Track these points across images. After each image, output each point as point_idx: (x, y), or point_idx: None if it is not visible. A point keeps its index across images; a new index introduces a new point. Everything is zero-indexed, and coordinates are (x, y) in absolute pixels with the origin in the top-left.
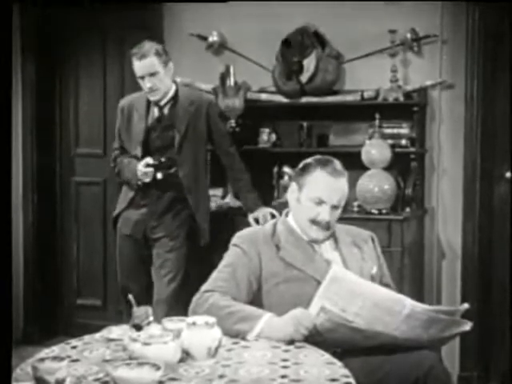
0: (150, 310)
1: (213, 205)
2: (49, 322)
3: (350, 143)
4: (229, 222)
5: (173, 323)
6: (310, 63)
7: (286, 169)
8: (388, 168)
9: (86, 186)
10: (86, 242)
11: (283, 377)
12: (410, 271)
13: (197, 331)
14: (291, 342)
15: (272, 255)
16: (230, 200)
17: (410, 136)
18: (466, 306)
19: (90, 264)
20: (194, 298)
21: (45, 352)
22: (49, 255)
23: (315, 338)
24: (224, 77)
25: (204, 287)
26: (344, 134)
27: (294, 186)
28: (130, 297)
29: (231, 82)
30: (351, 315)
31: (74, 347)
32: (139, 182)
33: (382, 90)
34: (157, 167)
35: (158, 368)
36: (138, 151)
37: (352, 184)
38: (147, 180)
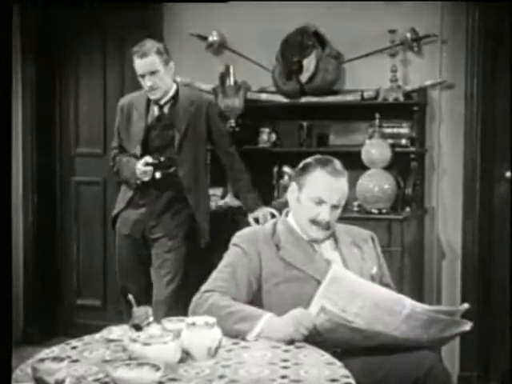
0: (149, 310)
1: (212, 204)
2: (49, 323)
3: (350, 143)
4: (229, 222)
5: (173, 323)
6: (309, 63)
7: (286, 168)
8: (388, 168)
9: (85, 186)
10: (86, 241)
11: (283, 377)
12: (409, 271)
13: (197, 331)
14: (291, 342)
15: (272, 255)
16: (229, 200)
17: (409, 136)
18: (465, 306)
19: (90, 264)
20: (194, 298)
21: (45, 352)
22: (49, 255)
23: (315, 338)
24: (224, 77)
25: (204, 287)
26: (344, 133)
27: (293, 185)
28: (130, 297)
29: (231, 81)
30: (351, 315)
31: (73, 348)
32: (138, 181)
33: (382, 89)
34: (156, 166)
35: (157, 368)
36: (138, 150)
37: (352, 184)
38: (146, 179)
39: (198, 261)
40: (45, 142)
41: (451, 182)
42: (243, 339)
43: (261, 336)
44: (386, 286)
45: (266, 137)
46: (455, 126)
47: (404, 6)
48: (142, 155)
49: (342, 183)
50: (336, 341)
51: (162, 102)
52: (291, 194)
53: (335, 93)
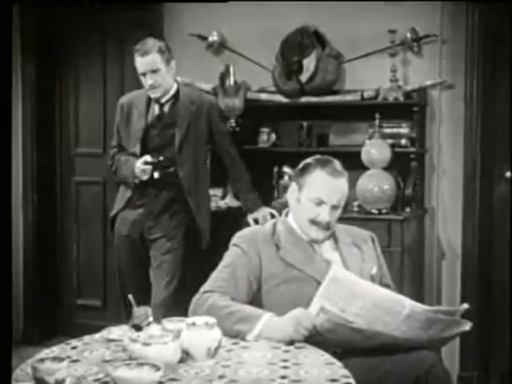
0: (149, 310)
1: (212, 205)
2: (49, 323)
3: (350, 143)
4: (229, 223)
5: (172, 324)
6: (309, 63)
7: (286, 169)
8: (388, 168)
9: (85, 186)
10: (86, 241)
11: (283, 377)
12: (409, 271)
13: (196, 332)
14: (291, 342)
15: (272, 255)
16: (229, 200)
17: (409, 136)
18: (465, 306)
19: (90, 264)
20: (194, 299)
21: (45, 352)
22: (49, 255)
23: (315, 338)
24: (224, 76)
25: (204, 287)
26: (344, 133)
27: (293, 186)
28: (130, 297)
29: (231, 81)
30: (351, 315)
31: (73, 348)
32: (136, 180)
33: (382, 89)
34: (155, 166)
35: (157, 368)
36: (137, 149)
37: (352, 184)
38: (144, 178)
39: (198, 261)
40: (45, 142)
41: (451, 182)
42: (243, 339)
43: (261, 336)
44: (386, 286)
45: (265, 137)
46: (455, 126)
47: (404, 6)
48: (142, 154)
49: (342, 183)
50: (336, 341)
51: (163, 100)
52: (291, 195)
53: (335, 93)
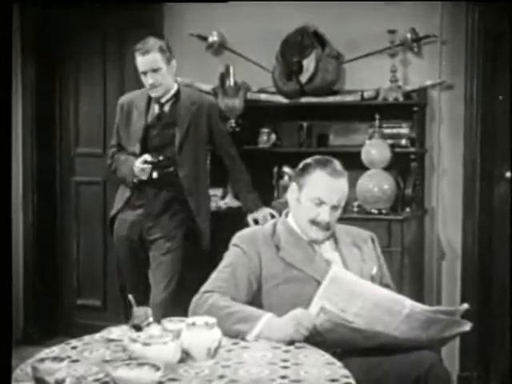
0: (149, 310)
1: (212, 205)
2: (49, 323)
3: (350, 143)
4: (229, 223)
5: (173, 324)
6: (309, 63)
7: (286, 169)
8: (388, 168)
9: (85, 186)
10: (86, 241)
11: (283, 377)
12: (409, 271)
13: (196, 332)
14: (291, 342)
15: (272, 255)
16: (229, 200)
17: (409, 136)
18: (465, 306)
19: (90, 264)
20: (194, 299)
21: (45, 352)
22: (49, 255)
23: (315, 338)
24: (224, 77)
25: (204, 288)
26: (344, 134)
27: (293, 186)
28: (130, 297)
29: (231, 82)
30: (351, 315)
31: (73, 348)
32: (135, 180)
33: (382, 90)
34: (154, 165)
35: (157, 368)
36: (137, 148)
37: (352, 184)
38: (143, 177)
39: (198, 262)
40: (45, 142)
41: (451, 182)
42: (243, 339)
43: (261, 336)
44: (386, 286)
45: (265, 137)
46: (455, 126)
47: (404, 7)
48: (141, 154)
49: (342, 184)
50: (336, 341)
51: (163, 100)
52: (291, 195)
53: (335, 93)
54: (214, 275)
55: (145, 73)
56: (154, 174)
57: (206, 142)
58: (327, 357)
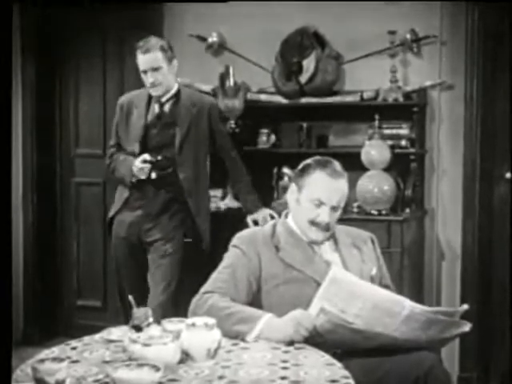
0: (149, 311)
1: (212, 206)
2: (49, 323)
3: (350, 144)
4: (228, 224)
5: (172, 324)
6: (309, 64)
7: (286, 170)
8: (388, 169)
9: (85, 187)
10: (86, 242)
11: (283, 378)
12: (409, 272)
13: (196, 332)
14: (291, 343)
15: (271, 256)
16: (229, 201)
17: (409, 137)
18: (465, 306)
19: (90, 265)
20: (194, 300)
21: (45, 353)
22: (49, 256)
23: (315, 339)
24: (223, 77)
25: (203, 288)
26: (344, 134)
27: (293, 187)
28: (130, 298)
29: (231, 82)
30: (351, 316)
31: (73, 348)
32: (133, 179)
33: (382, 90)
34: (153, 165)
35: (157, 369)
36: (136, 148)
37: (352, 185)
38: (142, 177)
39: (198, 262)
40: (45, 143)
41: (451, 182)
42: (243, 340)
43: (260, 337)
44: (386, 287)
45: (265, 138)
46: (455, 126)
47: (403, 7)
48: (141, 153)
49: (342, 184)
50: (336, 342)
51: (163, 99)
52: (291, 196)
53: (335, 93)
54: (214, 276)
55: (145, 71)
56: (153, 175)
57: (207, 143)
58: (327, 357)
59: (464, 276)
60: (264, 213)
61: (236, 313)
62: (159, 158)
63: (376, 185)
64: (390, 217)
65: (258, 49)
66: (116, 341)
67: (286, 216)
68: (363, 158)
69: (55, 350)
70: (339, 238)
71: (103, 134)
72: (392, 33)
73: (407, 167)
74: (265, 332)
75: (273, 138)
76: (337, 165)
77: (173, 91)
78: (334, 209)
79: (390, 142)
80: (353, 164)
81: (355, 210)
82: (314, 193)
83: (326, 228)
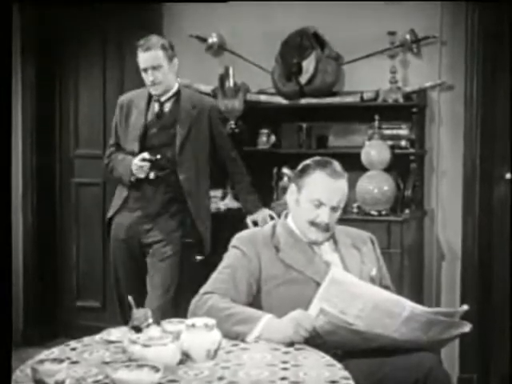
0: (149, 312)
1: (212, 206)
2: (48, 324)
3: (350, 144)
4: (228, 224)
5: (172, 325)
6: (309, 64)
7: (286, 170)
8: (387, 169)
9: (85, 188)
10: (86, 243)
11: (283, 379)
12: (409, 273)
13: (196, 333)
14: (291, 343)
15: (271, 257)
16: (229, 202)
17: (409, 137)
18: (465, 307)
19: (90, 266)
20: (194, 300)
21: (44, 354)
22: (48, 256)
23: (315, 340)
24: (223, 78)
25: (203, 289)
26: (343, 135)
27: (293, 187)
28: (130, 298)
29: (230, 83)
30: (351, 317)
31: (73, 349)
32: (132, 178)
33: (382, 91)
34: (152, 165)
35: (157, 370)
36: (136, 147)
37: (351, 185)
38: (141, 175)
39: (197, 264)
40: (44, 143)
41: (451, 183)
42: (243, 341)
43: (260, 338)
44: (386, 287)
45: (265, 138)
46: (455, 127)
47: (403, 7)
48: (140, 153)
49: (342, 185)
50: (336, 343)
51: (163, 98)
52: (290, 196)
53: (334, 94)
54: (214, 276)
55: (146, 69)
56: (151, 175)
57: (207, 145)
58: (327, 358)
59: (464, 276)
60: (264, 213)
61: (236, 313)
62: (158, 156)
63: (376, 185)
64: (390, 217)
65: (257, 49)
66: (116, 342)
67: (286, 216)
68: (363, 158)
69: (55, 351)
70: (339, 238)
71: (103, 135)
72: (392, 33)
73: (407, 168)
74: (265, 333)
75: (273, 138)
76: (337, 165)
77: (173, 91)
78: (333, 209)
79: (389, 143)
80: (352, 164)
81: (355, 210)
82: (314, 193)
83: (326, 228)
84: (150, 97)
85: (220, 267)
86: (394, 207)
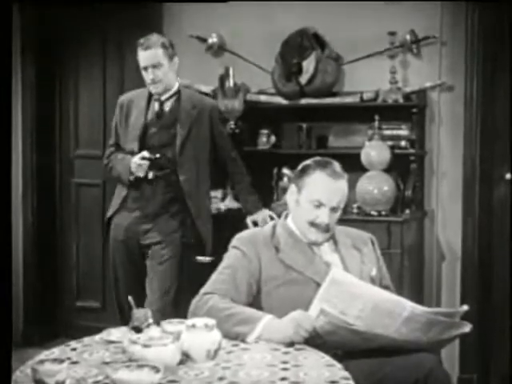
0: (149, 312)
1: (212, 207)
2: (48, 324)
3: (350, 145)
4: (228, 225)
5: (172, 325)
6: (309, 65)
7: (286, 170)
8: (387, 170)
9: (85, 188)
10: (86, 243)
11: (283, 379)
12: (409, 273)
13: (196, 333)
14: (291, 344)
15: (271, 257)
16: (229, 202)
17: (409, 138)
18: (465, 307)
19: (90, 266)
20: (194, 301)
21: (44, 354)
22: (48, 256)
23: (315, 340)
24: (223, 78)
25: (203, 289)
26: (343, 135)
27: (293, 187)
28: (130, 299)
29: (230, 83)
30: (351, 318)
31: (73, 349)
32: (131, 177)
33: (382, 91)
34: (151, 163)
35: (157, 370)
36: (135, 146)
37: (351, 186)
38: (140, 174)
39: (197, 265)
40: (44, 143)
41: (451, 183)
42: (243, 341)
43: (261, 338)
44: (386, 288)
45: (265, 138)
46: (455, 127)
47: (403, 8)
48: (139, 152)
49: (342, 185)
50: (336, 343)
51: (163, 98)
52: (290, 196)
53: (334, 94)
54: (214, 277)
55: (146, 68)
56: (150, 174)
57: (207, 145)
58: (327, 359)
59: (464, 277)
60: (264, 214)
61: (236, 314)
62: (158, 155)
63: (376, 186)
64: (390, 218)
65: (257, 50)
66: (116, 342)
67: (286, 217)
68: (363, 158)
69: (55, 351)
70: (339, 238)
71: (103, 135)
72: (392, 34)
73: (407, 168)
74: (265, 333)
75: (273, 138)
76: (336, 165)
77: (173, 90)
78: (333, 210)
79: (389, 143)
80: (352, 165)
81: (355, 210)
82: (314, 194)
83: (326, 229)
84: (151, 96)
85: (220, 267)
86: (394, 208)
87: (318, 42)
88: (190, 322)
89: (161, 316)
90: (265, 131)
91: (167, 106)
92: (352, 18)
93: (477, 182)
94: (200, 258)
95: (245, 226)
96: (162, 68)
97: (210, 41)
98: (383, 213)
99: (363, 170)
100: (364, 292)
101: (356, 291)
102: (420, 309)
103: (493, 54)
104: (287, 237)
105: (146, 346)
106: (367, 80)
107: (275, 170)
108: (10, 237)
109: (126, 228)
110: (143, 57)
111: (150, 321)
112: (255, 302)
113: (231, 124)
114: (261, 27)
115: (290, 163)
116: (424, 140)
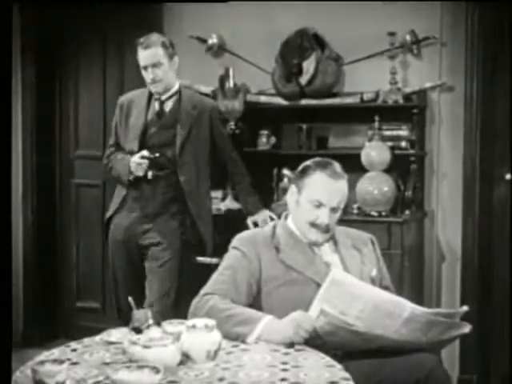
0: (149, 312)
1: (213, 207)
2: (48, 325)
3: (350, 145)
4: (228, 225)
5: (172, 326)
6: (309, 65)
7: (286, 171)
8: (388, 170)
9: (85, 188)
10: (86, 244)
11: (283, 380)
12: (409, 273)
13: (196, 334)
14: (291, 344)
15: (272, 258)
16: (229, 202)
17: (409, 138)
18: (465, 308)
19: (90, 266)
20: (194, 301)
21: (44, 355)
22: (48, 257)
23: (315, 341)
24: (223, 79)
25: (204, 290)
26: (343, 136)
27: (293, 188)
28: (130, 299)
29: (230, 84)
30: (351, 318)
31: (73, 350)
32: (131, 177)
33: (382, 92)
34: (151, 162)
35: (157, 371)
36: (135, 146)
37: (352, 186)
38: (140, 173)
39: (197, 265)
40: (44, 144)
41: (451, 184)
42: (243, 342)
43: (260, 339)
44: (386, 288)
45: (265, 139)
46: (455, 128)
47: (403, 8)
48: (139, 152)
49: (342, 186)
50: (336, 343)
51: (164, 97)
52: (290, 197)
53: (335, 95)
54: (214, 277)
55: (146, 67)
56: (150, 174)
57: (207, 146)
58: (327, 359)
59: (464, 277)
60: (264, 214)
61: (236, 314)
62: (157, 154)
63: (376, 186)
64: (390, 218)
65: (257, 50)
66: (116, 342)
67: (286, 217)
68: (363, 159)
69: (55, 352)
70: (339, 239)
71: (103, 136)
72: (392, 34)
73: (407, 169)
74: (265, 334)
75: (273, 139)
76: (337, 166)
77: (173, 90)
78: (333, 210)
79: (389, 144)
80: (353, 165)
81: (355, 211)
82: (314, 194)
83: (326, 229)
84: (151, 96)
85: (220, 268)
86: (395, 208)
87: (318, 42)
88: (190, 322)
89: (161, 317)
90: (265, 132)
91: (167, 106)
92: (352, 18)
93: (477, 182)
94: (201, 259)
95: (245, 227)
96: (162, 67)
97: (210, 41)
98: (383, 213)
99: (363, 170)
100: (364, 292)
101: (356, 292)
102: (420, 309)
103: (493, 54)
104: (287, 237)
105: (146, 346)
106: (367, 81)
107: (275, 171)
108: (10, 237)
109: (125, 228)
110: (143, 56)
111: (150, 322)
112: (255, 302)
113: (231, 125)
114: (261, 27)
115: (290, 164)
116: (424, 140)
